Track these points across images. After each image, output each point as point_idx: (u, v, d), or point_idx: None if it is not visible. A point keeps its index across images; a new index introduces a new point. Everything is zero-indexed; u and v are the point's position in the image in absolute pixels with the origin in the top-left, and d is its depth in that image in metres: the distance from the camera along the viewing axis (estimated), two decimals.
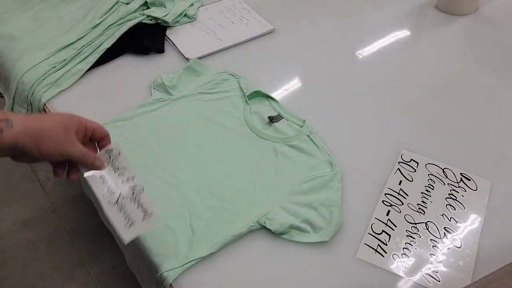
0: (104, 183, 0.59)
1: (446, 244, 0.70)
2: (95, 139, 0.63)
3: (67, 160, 0.59)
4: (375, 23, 1.14)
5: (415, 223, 0.72)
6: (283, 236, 0.70)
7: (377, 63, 1.02)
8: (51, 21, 1.06)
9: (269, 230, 0.70)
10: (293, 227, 0.70)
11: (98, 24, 1.02)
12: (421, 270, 0.67)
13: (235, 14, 1.13)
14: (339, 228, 0.71)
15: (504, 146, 0.85)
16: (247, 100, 0.89)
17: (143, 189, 0.61)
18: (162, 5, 1.07)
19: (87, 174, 0.60)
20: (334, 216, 0.71)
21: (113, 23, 1.02)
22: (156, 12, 1.05)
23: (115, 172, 0.60)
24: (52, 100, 0.91)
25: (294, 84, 0.97)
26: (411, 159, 0.81)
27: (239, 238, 0.69)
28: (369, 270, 0.67)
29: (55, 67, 0.94)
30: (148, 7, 1.07)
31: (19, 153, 0.55)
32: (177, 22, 1.07)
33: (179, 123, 0.85)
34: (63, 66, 0.95)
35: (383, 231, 0.71)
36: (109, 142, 0.64)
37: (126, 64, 0.99)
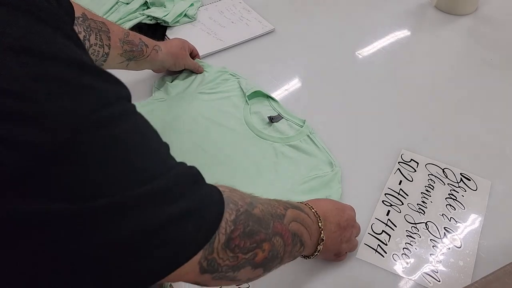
0: None
1: (446, 244, 0.70)
2: (192, 55, 0.96)
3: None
4: (375, 23, 1.14)
5: (415, 223, 0.72)
6: None
7: (377, 63, 1.02)
8: None
9: None
10: None
11: None
12: (421, 270, 0.67)
13: (235, 14, 1.13)
14: None
15: (504, 146, 0.85)
16: (247, 100, 0.89)
17: (248, 286, 0.65)
18: (162, 5, 1.07)
19: None
20: None
21: None
22: (156, 12, 1.05)
23: None
24: None
25: (294, 84, 0.97)
26: (411, 159, 0.81)
27: None
28: (369, 270, 0.67)
29: None
30: (148, 7, 1.07)
31: (162, 67, 0.90)
32: (177, 22, 1.07)
33: (179, 123, 0.85)
34: None
35: (383, 231, 0.71)
36: (198, 55, 0.98)
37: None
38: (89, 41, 0.68)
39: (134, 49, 0.78)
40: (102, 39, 0.71)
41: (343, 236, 0.62)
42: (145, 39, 0.81)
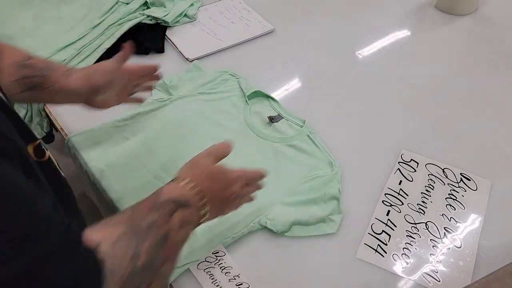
0: (212, 281, 0.65)
1: (446, 244, 0.70)
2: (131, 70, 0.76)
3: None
4: (375, 23, 1.14)
5: (415, 223, 0.72)
6: (286, 234, 0.70)
7: (377, 63, 1.02)
8: (51, 21, 1.06)
9: (269, 230, 0.70)
10: (294, 223, 0.70)
11: (98, 24, 1.02)
12: (421, 270, 0.67)
13: (235, 14, 1.13)
14: (341, 220, 0.71)
15: (504, 146, 0.85)
16: (247, 100, 0.89)
17: (248, 286, 0.65)
18: (162, 5, 1.07)
19: (196, 273, 0.66)
20: (335, 208, 0.71)
21: (113, 23, 1.02)
22: (156, 12, 1.05)
23: (222, 271, 0.66)
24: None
25: (294, 84, 0.97)
26: (411, 159, 0.81)
27: (239, 238, 0.69)
28: (369, 270, 0.67)
29: None
30: (148, 7, 1.07)
31: (86, 94, 0.66)
32: (177, 22, 1.07)
33: (179, 123, 0.85)
34: None
35: (383, 231, 0.71)
36: (153, 76, 0.78)
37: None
38: None
39: (36, 74, 0.61)
40: None
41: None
42: (56, 65, 0.65)
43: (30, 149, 0.37)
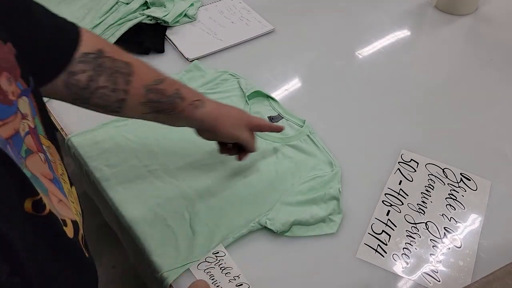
0: (212, 281, 0.65)
1: (446, 244, 0.70)
2: (261, 130, 0.78)
3: (235, 143, 0.73)
4: (375, 23, 1.14)
5: (415, 223, 0.72)
6: (286, 234, 0.70)
7: (377, 63, 1.02)
8: None
9: (269, 230, 0.70)
10: (294, 223, 0.70)
11: (98, 24, 1.02)
12: (421, 270, 0.67)
13: (235, 14, 1.13)
14: (341, 220, 0.71)
15: (504, 146, 0.85)
16: (247, 100, 0.89)
17: (249, 287, 0.64)
18: (162, 5, 1.07)
19: (196, 273, 0.65)
20: (335, 208, 0.71)
21: (113, 23, 1.02)
22: (156, 12, 1.05)
23: (222, 271, 0.65)
24: (53, 99, 0.91)
25: (294, 84, 0.97)
26: (411, 159, 0.81)
27: (239, 238, 0.69)
28: (369, 270, 0.67)
29: None
30: (148, 7, 1.07)
31: (203, 129, 0.70)
32: (177, 22, 1.07)
33: None
34: None
35: (383, 231, 0.71)
36: (271, 129, 0.78)
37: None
38: (96, 82, 0.57)
39: (163, 100, 0.62)
40: (116, 82, 0.59)
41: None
42: (186, 91, 0.65)
43: (28, 202, 0.37)
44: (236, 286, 0.64)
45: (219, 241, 0.68)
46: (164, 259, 0.66)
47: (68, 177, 0.51)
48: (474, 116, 0.91)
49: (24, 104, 0.44)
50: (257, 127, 0.74)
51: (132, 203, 0.73)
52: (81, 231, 0.47)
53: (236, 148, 0.74)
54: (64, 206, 0.45)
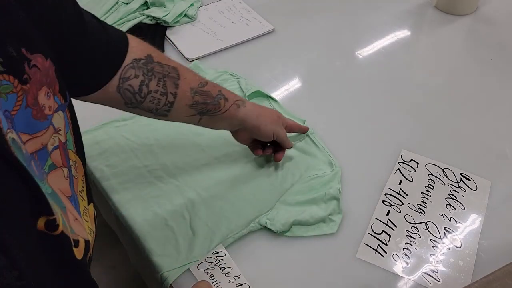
0: (212, 281, 0.65)
1: (446, 244, 0.70)
2: (290, 131, 0.80)
3: (268, 142, 0.76)
4: (375, 23, 1.14)
5: (415, 223, 0.72)
6: (286, 234, 0.70)
7: (377, 63, 1.02)
8: None
9: (269, 230, 0.70)
10: (294, 223, 0.70)
11: None
12: (421, 270, 0.67)
13: (235, 14, 1.13)
14: (341, 220, 0.71)
15: (504, 146, 0.85)
16: (247, 100, 0.89)
17: (249, 287, 0.65)
18: (162, 5, 1.07)
19: (196, 273, 0.65)
20: (336, 208, 0.71)
21: (113, 23, 1.02)
22: (156, 12, 1.05)
23: (222, 271, 0.66)
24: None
25: (294, 84, 0.97)
26: (411, 159, 0.81)
27: (239, 238, 0.69)
28: (369, 270, 0.67)
29: None
30: (148, 7, 1.07)
31: (243, 127, 0.71)
32: (177, 22, 1.07)
33: (179, 123, 0.85)
34: None
35: (383, 231, 0.71)
36: (303, 128, 0.82)
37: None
38: (147, 86, 0.60)
39: (208, 101, 0.66)
40: (166, 86, 0.62)
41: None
42: (227, 92, 0.69)
43: (41, 221, 0.38)
44: (236, 286, 0.64)
45: (219, 241, 0.68)
46: (164, 259, 0.66)
47: (88, 194, 0.52)
48: (474, 116, 0.91)
49: (59, 119, 0.45)
50: (289, 126, 0.78)
51: (132, 203, 0.73)
52: (90, 251, 0.47)
53: (272, 147, 0.77)
54: (79, 224, 0.45)
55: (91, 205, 0.52)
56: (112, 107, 0.62)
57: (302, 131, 0.82)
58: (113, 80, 0.58)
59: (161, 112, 0.63)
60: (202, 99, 0.65)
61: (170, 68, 0.63)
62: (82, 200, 0.49)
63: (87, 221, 0.49)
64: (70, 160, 0.47)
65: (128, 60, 0.59)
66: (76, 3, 0.53)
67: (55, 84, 0.45)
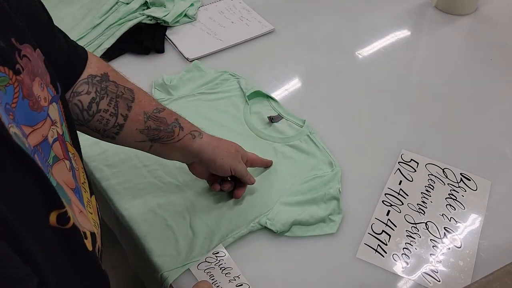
0: (212, 281, 0.65)
1: (446, 244, 0.70)
2: (250, 166, 0.74)
3: (229, 177, 0.71)
4: (375, 23, 1.14)
5: (415, 223, 0.72)
6: (286, 234, 0.70)
7: (377, 63, 1.02)
8: None
9: (269, 231, 0.70)
10: (294, 223, 0.70)
11: (98, 24, 1.02)
12: (421, 270, 0.67)
13: (235, 14, 1.13)
14: (341, 220, 0.71)
15: (504, 146, 0.85)
16: (247, 100, 0.89)
17: (249, 287, 0.64)
18: (162, 5, 1.07)
19: (196, 273, 0.65)
20: (336, 208, 0.71)
21: (113, 23, 1.02)
22: (156, 12, 1.05)
23: (222, 271, 0.66)
24: None
25: (294, 84, 0.97)
26: (411, 159, 0.81)
27: (239, 238, 0.69)
28: (369, 270, 0.67)
29: None
30: (148, 7, 1.07)
31: (198, 160, 0.68)
32: (177, 22, 1.07)
33: None
34: None
35: (383, 231, 0.71)
36: (263, 164, 0.77)
37: (126, 64, 0.99)
38: (97, 105, 0.58)
39: (162, 128, 0.63)
40: (117, 107, 0.59)
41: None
42: (185, 121, 0.66)
43: (53, 215, 0.37)
44: (236, 286, 0.64)
45: (219, 241, 0.68)
46: (164, 259, 0.66)
47: (89, 186, 0.52)
48: (474, 116, 0.91)
49: (54, 111, 0.44)
50: (250, 160, 0.73)
51: (132, 203, 0.73)
52: (98, 243, 0.47)
53: (231, 183, 0.73)
54: (84, 217, 0.45)
55: (93, 197, 0.52)
56: None
57: (265, 165, 0.77)
58: (66, 94, 0.56)
59: (109, 133, 0.61)
60: (155, 125, 0.63)
61: (125, 89, 0.61)
62: (85, 192, 0.49)
63: (91, 213, 0.49)
64: (69, 153, 0.47)
65: (84, 75, 0.58)
66: (45, 9, 0.52)
67: (46, 75, 0.44)
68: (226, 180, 0.73)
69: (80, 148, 0.52)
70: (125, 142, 0.63)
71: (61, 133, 0.45)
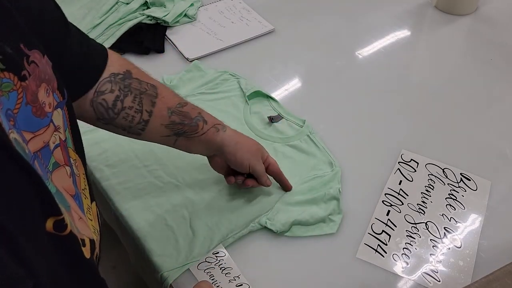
0: (212, 281, 0.65)
1: (446, 244, 0.70)
2: (269, 172, 0.72)
3: (245, 173, 0.70)
4: (375, 23, 1.14)
5: (415, 223, 0.72)
6: (286, 234, 0.70)
7: (377, 63, 1.02)
8: None
9: (269, 230, 0.70)
10: (294, 223, 0.70)
11: (98, 24, 1.02)
12: (421, 270, 0.67)
13: (235, 14, 1.13)
14: (341, 220, 0.71)
15: (504, 146, 0.85)
16: (247, 100, 0.89)
17: (249, 287, 0.64)
18: (162, 5, 1.07)
19: (196, 273, 0.65)
20: (335, 208, 0.71)
21: (113, 23, 1.02)
22: (156, 12, 1.05)
23: (222, 271, 0.66)
24: None
25: (294, 84, 0.97)
26: (411, 159, 0.81)
27: (239, 238, 0.69)
28: (369, 270, 0.67)
29: None
30: (148, 7, 1.07)
31: (220, 153, 0.67)
32: (177, 22, 1.07)
33: None
34: None
35: (383, 231, 0.71)
36: (283, 177, 0.73)
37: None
38: (122, 102, 0.58)
39: (186, 122, 0.64)
40: (142, 104, 0.60)
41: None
42: (207, 115, 0.67)
43: (50, 221, 0.37)
44: (236, 286, 0.64)
45: (219, 241, 0.68)
46: (164, 259, 0.66)
47: (90, 192, 0.52)
48: (474, 116, 0.91)
49: (58, 117, 0.44)
50: (269, 164, 0.72)
51: (132, 203, 0.73)
52: (96, 250, 0.47)
53: (244, 176, 0.71)
54: (84, 224, 0.45)
55: (94, 203, 0.52)
56: (84, 121, 0.61)
57: (283, 183, 0.74)
58: (89, 93, 0.57)
59: (135, 130, 0.62)
60: (179, 120, 0.63)
61: (148, 85, 0.61)
62: (85, 198, 0.49)
63: (91, 220, 0.49)
64: (71, 159, 0.47)
65: (106, 74, 0.58)
66: (59, 8, 0.52)
67: (53, 81, 0.45)
68: (244, 177, 0.72)
69: (84, 154, 0.52)
70: (151, 137, 0.64)
71: (63, 139, 0.45)
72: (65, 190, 0.44)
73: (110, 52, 0.61)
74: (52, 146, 0.43)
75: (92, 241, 0.45)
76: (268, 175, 0.72)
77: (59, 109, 0.45)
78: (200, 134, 0.65)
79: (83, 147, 0.52)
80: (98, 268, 0.47)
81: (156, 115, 0.62)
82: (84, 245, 0.43)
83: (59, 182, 0.43)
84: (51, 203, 0.37)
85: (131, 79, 0.60)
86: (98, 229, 0.50)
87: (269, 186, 0.72)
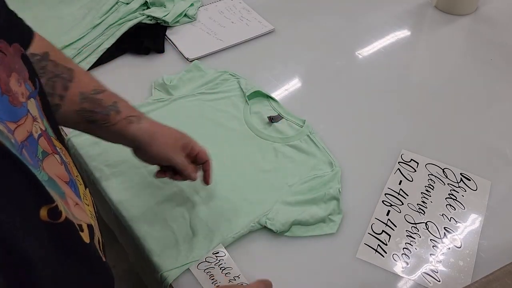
0: (212, 281, 0.65)
1: (446, 244, 0.70)
2: (198, 161, 0.69)
3: (171, 166, 0.67)
4: (375, 23, 1.14)
5: (415, 223, 0.72)
6: (286, 234, 0.70)
7: (377, 63, 1.02)
8: (51, 22, 1.06)
9: (269, 230, 0.70)
10: (294, 223, 0.70)
11: (98, 24, 1.02)
12: (421, 270, 0.67)
13: (235, 14, 1.13)
14: (341, 220, 0.71)
15: (504, 146, 0.85)
16: (247, 100, 0.89)
17: None
18: (162, 5, 1.07)
19: (196, 273, 0.65)
20: (335, 208, 0.71)
21: (113, 23, 1.02)
22: (156, 12, 1.05)
23: (222, 271, 0.65)
24: None
25: (294, 84, 0.97)
26: (411, 159, 0.81)
27: (239, 238, 0.69)
28: (369, 270, 0.67)
29: None
30: (148, 7, 1.07)
31: (135, 147, 0.65)
32: (177, 22, 1.07)
33: (179, 123, 0.85)
34: None
35: (383, 231, 0.71)
36: (209, 167, 0.70)
37: (126, 64, 0.99)
38: None
39: (97, 110, 0.61)
40: (54, 87, 0.57)
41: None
42: (124, 105, 0.63)
43: (43, 210, 0.37)
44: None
45: (219, 241, 0.68)
46: (164, 259, 0.66)
47: (82, 178, 0.51)
48: (474, 116, 0.91)
49: (33, 107, 0.44)
50: (198, 153, 0.68)
51: (132, 203, 0.73)
52: (96, 235, 0.46)
53: (171, 172, 0.69)
54: (80, 209, 0.45)
55: (87, 189, 0.52)
56: None
57: (205, 172, 0.70)
58: None
59: None
60: (90, 107, 0.60)
61: (64, 69, 0.59)
62: (80, 184, 0.49)
63: (88, 205, 0.48)
64: (57, 147, 0.46)
65: (27, 53, 0.55)
66: None
67: (24, 71, 0.44)
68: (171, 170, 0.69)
69: (65, 143, 0.51)
70: (63, 122, 0.61)
71: (44, 129, 0.45)
72: (58, 177, 0.43)
73: (36, 33, 0.58)
74: (36, 135, 0.42)
75: (90, 226, 0.44)
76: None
77: (32, 99, 0.44)
78: (111, 124, 0.62)
79: (63, 137, 0.51)
80: (105, 253, 0.46)
81: (68, 100, 0.59)
82: (82, 230, 0.42)
83: (51, 169, 0.42)
84: (42, 192, 0.37)
85: (47, 61, 0.57)
86: (95, 214, 0.50)
87: (194, 179, 0.68)
